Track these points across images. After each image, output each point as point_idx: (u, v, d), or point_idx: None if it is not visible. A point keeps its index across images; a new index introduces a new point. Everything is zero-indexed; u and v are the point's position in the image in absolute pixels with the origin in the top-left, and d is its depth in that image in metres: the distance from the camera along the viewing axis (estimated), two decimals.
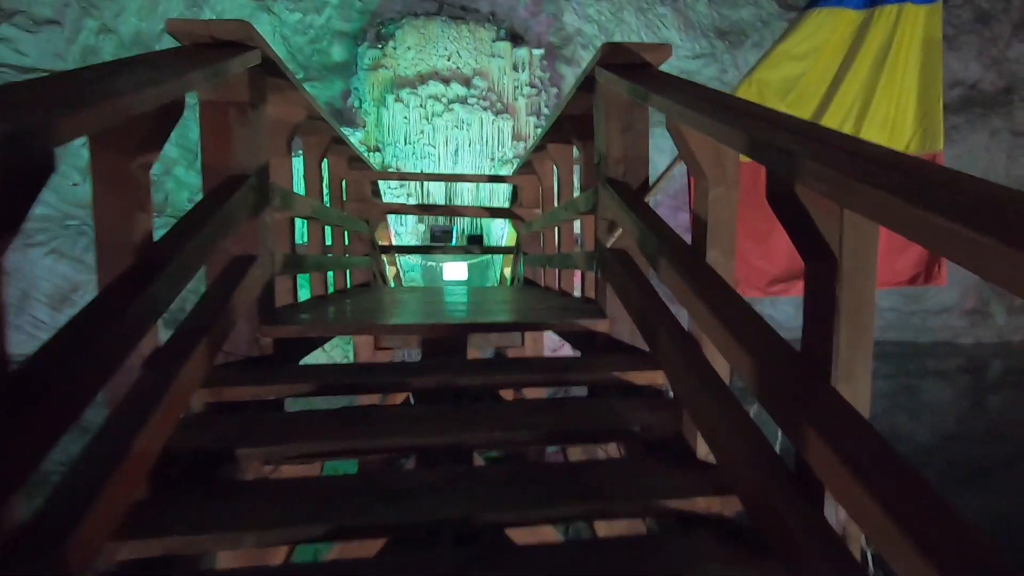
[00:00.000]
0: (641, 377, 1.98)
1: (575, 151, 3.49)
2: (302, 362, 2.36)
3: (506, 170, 8.80)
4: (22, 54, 9.29)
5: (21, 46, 9.26)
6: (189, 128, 10.07)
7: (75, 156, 9.58)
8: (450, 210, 4.81)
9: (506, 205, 5.97)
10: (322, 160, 3.43)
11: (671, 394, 1.76)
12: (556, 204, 4.60)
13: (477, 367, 1.98)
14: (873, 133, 2.34)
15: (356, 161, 4.39)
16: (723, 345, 1.24)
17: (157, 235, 1.51)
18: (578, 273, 2.99)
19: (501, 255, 6.46)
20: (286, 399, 1.88)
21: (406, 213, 4.99)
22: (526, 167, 4.73)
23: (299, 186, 3.33)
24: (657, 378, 1.95)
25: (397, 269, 6.35)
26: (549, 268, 3.90)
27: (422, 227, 8.75)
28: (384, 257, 5.44)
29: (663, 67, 2.16)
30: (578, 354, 2.48)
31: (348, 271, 4.17)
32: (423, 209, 4.81)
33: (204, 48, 1.89)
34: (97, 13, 9.36)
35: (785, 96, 2.23)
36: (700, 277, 1.50)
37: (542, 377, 1.96)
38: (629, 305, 2.04)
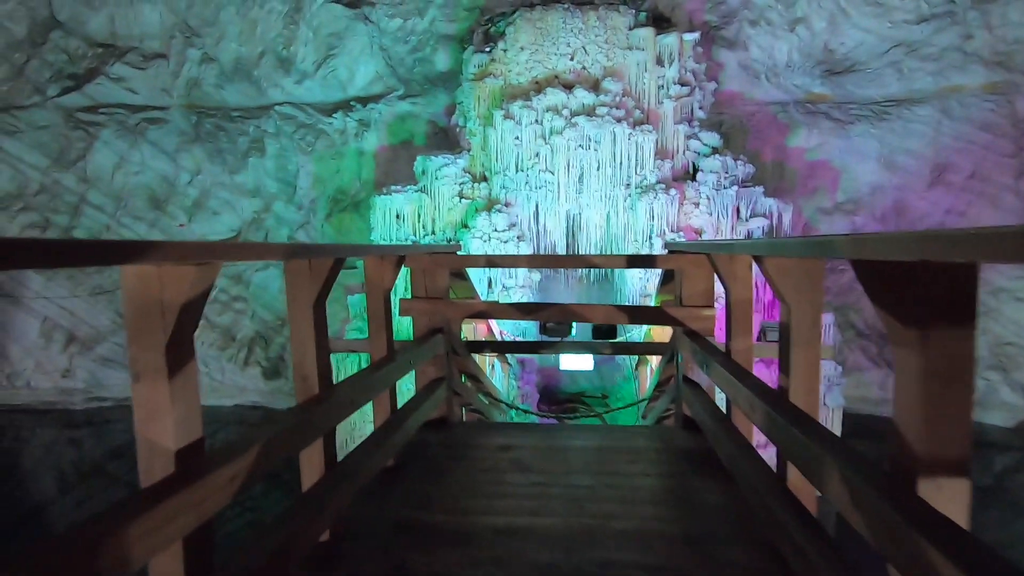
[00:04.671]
0: None
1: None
2: None
3: (647, 200, 6.84)
4: (133, 92, 9.29)
5: (133, 84, 9.26)
6: (288, 159, 9.52)
7: (181, 196, 9.46)
8: (567, 312, 3.11)
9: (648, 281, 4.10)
10: (322, 300, 1.91)
11: None
12: (758, 326, 2.69)
13: None
14: None
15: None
16: None
17: None
18: None
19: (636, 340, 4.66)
20: None
21: (499, 317, 3.37)
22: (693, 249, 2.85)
23: None
24: None
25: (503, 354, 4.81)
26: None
27: (536, 276, 7.13)
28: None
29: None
30: None
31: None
32: (525, 311, 3.16)
33: None
34: (199, 42, 9.06)
35: None
36: None
37: None
38: None
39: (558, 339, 4.02)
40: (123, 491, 9.31)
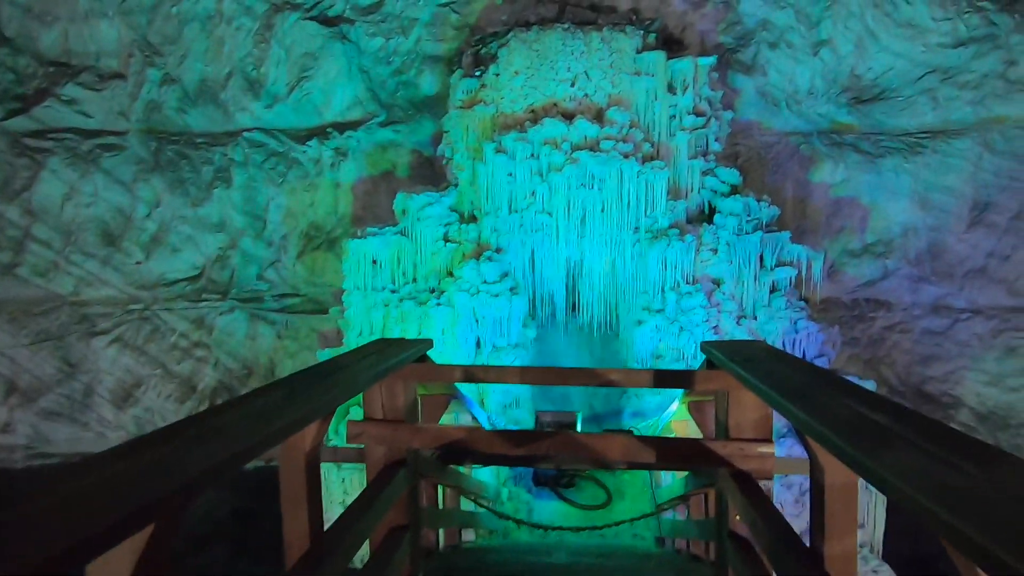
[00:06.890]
0: None
1: None
2: None
3: (659, 247, 6.07)
4: (87, 116, 8.48)
5: (87, 107, 8.45)
6: (257, 191, 8.72)
7: (138, 230, 8.63)
8: (571, 446, 2.29)
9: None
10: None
11: None
12: None
13: None
14: None
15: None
16: None
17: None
18: None
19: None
20: None
21: (483, 449, 2.53)
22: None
23: None
24: None
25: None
26: None
27: (532, 333, 6.32)
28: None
29: None
30: None
31: None
32: (517, 442, 2.36)
33: None
34: (161, 61, 8.28)
35: None
36: None
37: None
38: None
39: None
40: None
